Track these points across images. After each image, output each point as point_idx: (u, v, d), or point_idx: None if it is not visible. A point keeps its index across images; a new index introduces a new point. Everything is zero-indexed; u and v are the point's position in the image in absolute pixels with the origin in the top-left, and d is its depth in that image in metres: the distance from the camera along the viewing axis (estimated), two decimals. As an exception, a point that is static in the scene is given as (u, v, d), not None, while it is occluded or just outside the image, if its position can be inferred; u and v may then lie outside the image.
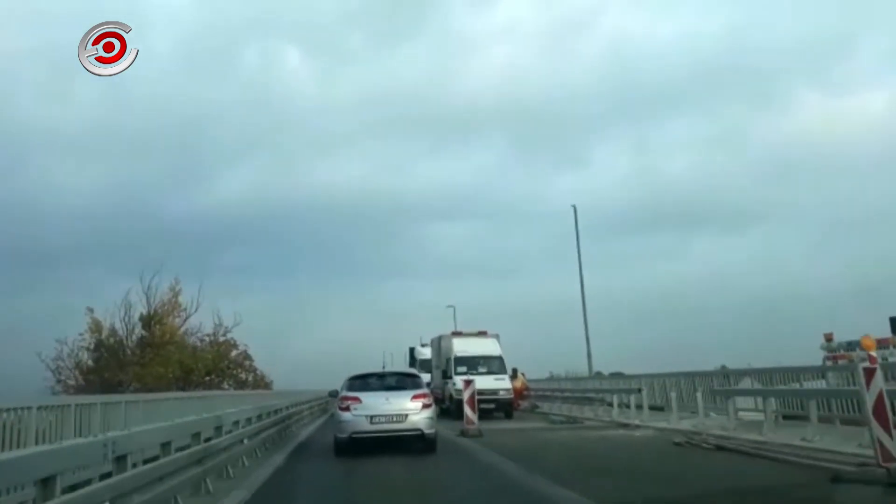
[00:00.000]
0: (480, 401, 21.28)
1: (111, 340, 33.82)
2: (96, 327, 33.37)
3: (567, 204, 32.11)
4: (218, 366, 30.59)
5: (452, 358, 23.85)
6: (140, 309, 33.12)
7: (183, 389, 29.51)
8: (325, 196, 71.96)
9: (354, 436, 11.74)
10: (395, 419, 11.78)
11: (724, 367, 21.20)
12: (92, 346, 33.07)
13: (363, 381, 12.81)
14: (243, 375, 33.72)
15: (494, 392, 22.56)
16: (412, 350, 41.92)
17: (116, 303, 32.79)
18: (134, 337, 33.51)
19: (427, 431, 11.90)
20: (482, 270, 78.18)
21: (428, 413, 12.07)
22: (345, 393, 12.35)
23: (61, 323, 35.83)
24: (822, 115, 65.81)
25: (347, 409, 11.95)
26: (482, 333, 25.39)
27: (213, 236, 67.88)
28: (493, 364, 23.88)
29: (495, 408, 22.56)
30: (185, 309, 33.56)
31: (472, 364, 23.78)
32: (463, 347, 24.22)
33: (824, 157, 65.24)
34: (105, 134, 58.72)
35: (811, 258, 63.08)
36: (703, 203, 69.72)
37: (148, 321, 33.74)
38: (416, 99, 73.51)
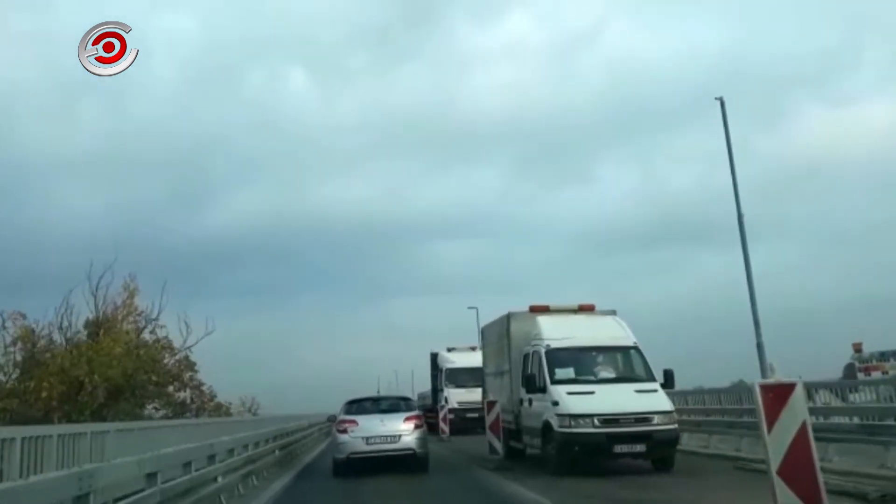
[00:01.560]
0: (615, 437, 9.93)
1: (47, 355, 22.74)
2: (27, 336, 22.45)
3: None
4: (135, 379, 18.87)
5: (542, 353, 12.14)
6: (87, 313, 22.82)
7: (69, 418, 17.88)
8: (329, 216, 72.90)
9: (352, 456, 12.24)
10: (389, 440, 12.23)
11: (741, 381, 17.06)
12: (19, 360, 22.35)
13: (359, 405, 13.41)
14: (183, 394, 21.98)
15: (644, 419, 10.87)
16: (434, 357, 30.35)
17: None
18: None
19: (419, 451, 12.33)
20: (487, 288, 73.02)
21: (419, 433, 12.46)
22: (343, 416, 12.91)
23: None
24: (825, 127, 64.28)
25: (345, 431, 12.44)
26: (587, 309, 13.76)
27: (218, 257, 67.22)
28: (625, 362, 12.26)
29: (645, 451, 10.85)
30: (143, 313, 23.24)
31: (585, 363, 12.20)
32: (560, 331, 12.50)
33: (829, 170, 63.50)
34: (110, 156, 56.15)
35: (820, 271, 60.98)
36: (708, 218, 66.79)
37: (95, 328, 22.70)
38: (420, 118, 73.73)
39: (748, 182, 64.09)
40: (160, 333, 22.22)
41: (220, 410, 22.69)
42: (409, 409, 13.31)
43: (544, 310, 13.62)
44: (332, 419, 14.83)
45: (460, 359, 28.55)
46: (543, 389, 11.74)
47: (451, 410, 25.04)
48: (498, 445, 12.95)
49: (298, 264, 79.97)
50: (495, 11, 79.88)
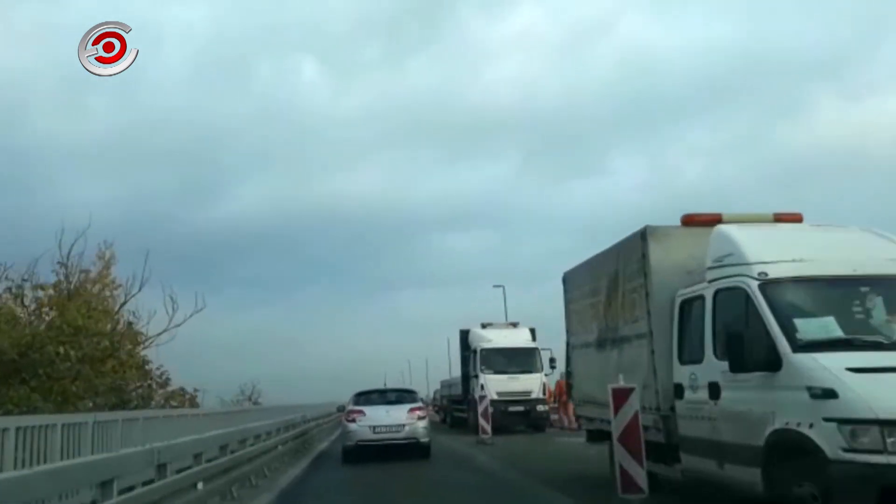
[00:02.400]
0: None
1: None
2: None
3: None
4: (41, 353, 12.65)
5: (753, 290, 5.76)
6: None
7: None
8: (338, 207, 71.71)
9: (360, 443, 13.13)
10: (394, 429, 13.09)
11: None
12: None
13: (367, 397, 14.40)
14: (129, 377, 15.73)
15: None
16: (465, 335, 24.28)
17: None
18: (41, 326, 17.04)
19: (422, 440, 13.28)
20: (497, 279, 68.20)
21: (423, 423, 13.49)
22: (351, 407, 13.95)
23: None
24: (839, 119, 62.42)
25: (354, 420, 13.42)
26: (790, 219, 7.41)
27: (225, 248, 65.28)
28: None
29: None
30: (121, 286, 18.16)
31: (853, 310, 5.79)
32: (777, 250, 6.10)
33: (843, 161, 60.73)
34: (118, 147, 52.93)
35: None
36: (720, 209, 62.71)
37: (64, 302, 16.74)
38: (430, 110, 72.31)
39: (766, 171, 62.50)
40: (98, 291, 16.10)
41: (179, 399, 16.55)
42: (412, 400, 14.35)
43: (715, 221, 7.28)
44: (341, 409, 15.88)
45: (498, 337, 22.33)
46: (771, 364, 5.40)
47: (491, 402, 18.80)
48: (641, 475, 6.64)
49: (307, 255, 78.34)
50: (506, 3, 78.37)
